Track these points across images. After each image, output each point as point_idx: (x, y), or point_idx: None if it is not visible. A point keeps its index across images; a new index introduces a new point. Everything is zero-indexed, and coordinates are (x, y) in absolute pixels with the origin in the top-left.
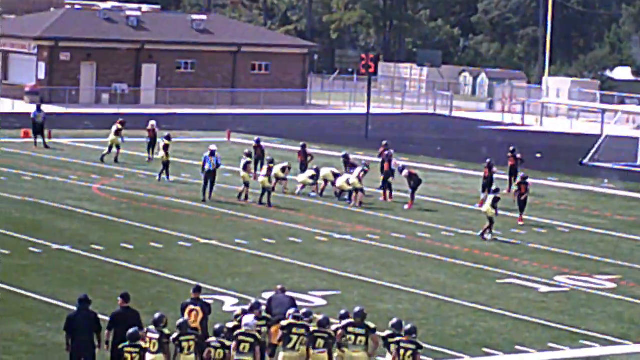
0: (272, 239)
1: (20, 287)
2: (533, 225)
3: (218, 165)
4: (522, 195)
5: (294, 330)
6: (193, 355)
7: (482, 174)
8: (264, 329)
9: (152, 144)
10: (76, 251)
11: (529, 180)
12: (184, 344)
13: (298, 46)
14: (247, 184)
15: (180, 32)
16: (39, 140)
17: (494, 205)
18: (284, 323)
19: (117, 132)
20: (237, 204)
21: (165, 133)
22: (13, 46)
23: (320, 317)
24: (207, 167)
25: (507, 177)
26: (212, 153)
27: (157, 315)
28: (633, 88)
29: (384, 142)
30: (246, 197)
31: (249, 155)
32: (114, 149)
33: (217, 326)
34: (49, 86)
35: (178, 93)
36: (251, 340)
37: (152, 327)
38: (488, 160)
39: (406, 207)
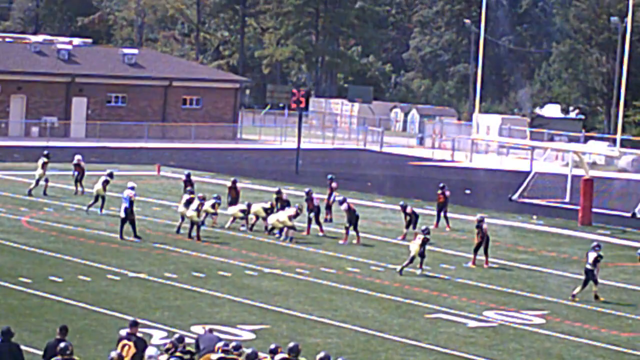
0: (202, 273)
1: None
2: (462, 261)
3: (131, 203)
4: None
5: None
6: None
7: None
8: None
9: (79, 178)
10: (4, 284)
11: (484, 225)
12: None
13: (229, 81)
14: (183, 218)
15: (111, 65)
16: None
17: (422, 245)
18: (213, 357)
19: (44, 165)
20: (167, 237)
21: (108, 171)
22: None
23: (248, 350)
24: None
25: (437, 213)
26: (132, 188)
27: (62, 344)
28: (562, 125)
29: (330, 176)
30: (178, 231)
31: (191, 192)
32: (42, 182)
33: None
34: None
35: (108, 126)
36: None
37: (58, 357)
38: (441, 185)
39: (341, 242)
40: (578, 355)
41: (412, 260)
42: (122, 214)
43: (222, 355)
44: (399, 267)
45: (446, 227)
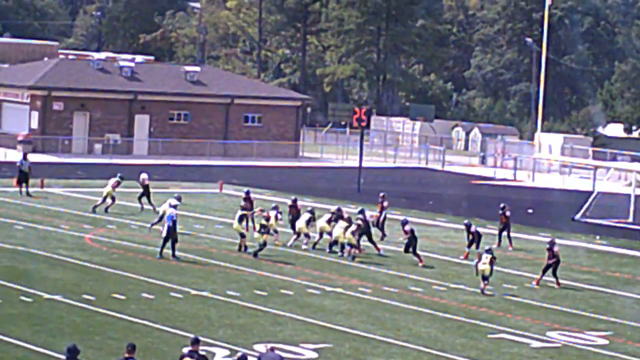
0: (264, 291)
1: (11, 336)
2: (524, 281)
3: (173, 222)
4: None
5: None
6: None
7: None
8: None
9: (143, 195)
10: (67, 301)
11: (556, 248)
12: None
13: (291, 99)
14: (242, 235)
15: (173, 83)
16: (24, 189)
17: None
18: None
19: (115, 185)
20: (229, 255)
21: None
22: (6, 95)
23: None
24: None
25: (498, 233)
26: (174, 207)
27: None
28: (625, 145)
29: (381, 194)
30: (245, 248)
31: (244, 208)
32: (108, 200)
33: None
34: (42, 135)
35: (170, 144)
36: None
37: None
38: (502, 205)
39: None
40: None
41: (485, 279)
42: (164, 233)
43: None
44: (480, 289)
45: (509, 247)
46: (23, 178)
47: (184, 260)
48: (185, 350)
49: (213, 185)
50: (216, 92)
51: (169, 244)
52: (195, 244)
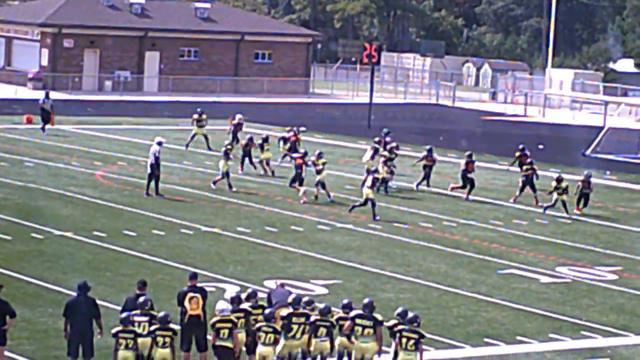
0: (274, 227)
1: (22, 273)
2: (535, 217)
3: (156, 158)
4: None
5: (294, 319)
6: (168, 350)
7: (483, 163)
8: (260, 317)
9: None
10: (78, 237)
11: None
12: (159, 339)
13: (301, 35)
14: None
15: (183, 20)
16: (47, 126)
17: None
18: (283, 313)
19: (199, 122)
20: (239, 192)
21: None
22: (16, 32)
23: (321, 305)
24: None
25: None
26: (159, 144)
27: (141, 299)
28: (636, 80)
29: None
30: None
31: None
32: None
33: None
34: (52, 72)
35: (181, 81)
36: (229, 325)
37: (137, 312)
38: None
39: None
40: None
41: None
42: (148, 169)
43: (293, 310)
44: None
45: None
46: (45, 116)
47: (194, 197)
48: (185, 287)
49: (223, 122)
50: (226, 28)
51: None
52: (206, 180)
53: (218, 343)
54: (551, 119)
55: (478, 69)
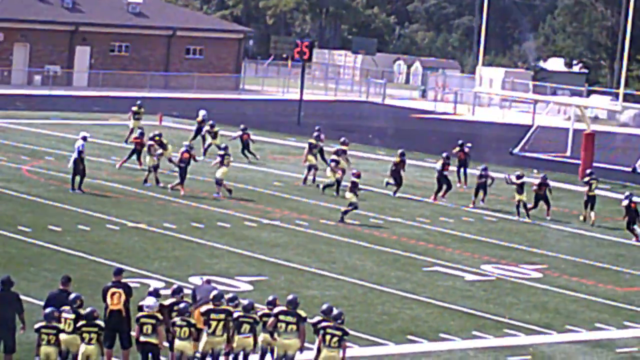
0: (201, 223)
1: None
2: (461, 214)
3: (79, 153)
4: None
5: (213, 315)
6: (93, 346)
7: (411, 161)
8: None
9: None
10: (3, 232)
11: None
12: (85, 335)
13: (233, 31)
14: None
15: (115, 14)
16: None
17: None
18: (202, 309)
19: (136, 115)
20: (167, 187)
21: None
22: None
23: (245, 302)
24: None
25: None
26: (84, 139)
27: (72, 295)
28: (565, 79)
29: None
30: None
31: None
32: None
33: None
34: None
35: (111, 75)
36: (152, 321)
37: (66, 308)
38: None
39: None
40: (574, 309)
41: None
42: (71, 164)
43: (212, 306)
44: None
45: (461, 184)
46: None
47: (121, 193)
48: (109, 282)
49: (152, 117)
50: (158, 24)
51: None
52: (133, 176)
53: (142, 339)
54: (480, 117)
55: (409, 67)
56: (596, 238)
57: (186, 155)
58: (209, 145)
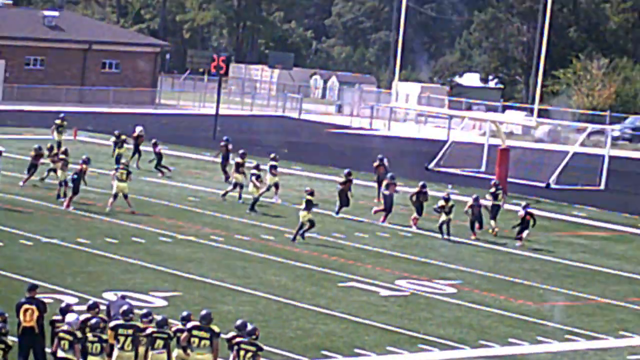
0: (115, 239)
1: None
2: (376, 230)
3: None
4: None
5: (121, 330)
6: None
7: (326, 176)
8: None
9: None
10: None
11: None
12: None
13: (149, 45)
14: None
15: (30, 27)
16: None
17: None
18: (111, 324)
19: (60, 128)
20: (82, 202)
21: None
22: None
23: (159, 317)
24: None
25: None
26: None
27: None
28: (481, 94)
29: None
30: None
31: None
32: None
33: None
34: None
35: (26, 89)
36: (70, 338)
37: None
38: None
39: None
40: (488, 324)
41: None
42: None
43: (122, 322)
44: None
45: (379, 200)
46: None
47: (35, 207)
48: (23, 298)
49: (67, 132)
50: (74, 37)
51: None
52: (48, 189)
53: (59, 354)
54: (396, 132)
55: (325, 82)
56: (510, 253)
57: (82, 167)
58: (119, 155)
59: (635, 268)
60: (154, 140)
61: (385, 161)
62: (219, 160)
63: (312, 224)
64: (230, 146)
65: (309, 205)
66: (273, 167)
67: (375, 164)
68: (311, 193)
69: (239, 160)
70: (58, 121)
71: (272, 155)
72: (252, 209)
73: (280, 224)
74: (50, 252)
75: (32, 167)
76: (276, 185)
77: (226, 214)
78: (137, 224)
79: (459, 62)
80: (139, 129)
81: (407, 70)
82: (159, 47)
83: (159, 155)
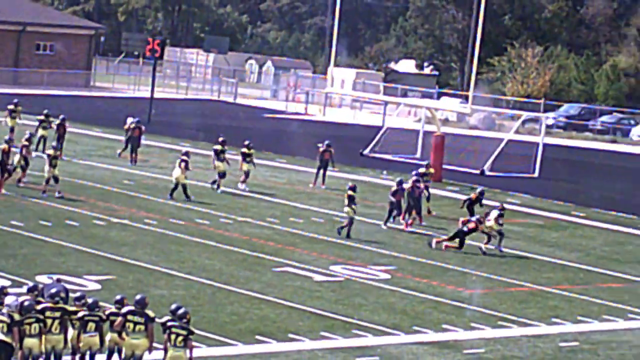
0: (49, 221)
1: None
2: (311, 215)
3: None
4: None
5: (48, 313)
6: None
7: (261, 161)
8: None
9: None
10: None
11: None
12: None
13: (84, 27)
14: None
15: None
16: None
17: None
18: (39, 307)
19: (13, 114)
20: (14, 185)
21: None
22: None
23: (90, 300)
24: None
25: (288, 167)
26: None
27: None
28: (416, 81)
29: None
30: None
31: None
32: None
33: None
34: None
35: None
36: (7, 320)
37: None
38: None
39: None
40: (422, 310)
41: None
42: None
43: (50, 304)
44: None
45: (321, 185)
46: None
47: None
48: None
49: (1, 114)
50: (7, 19)
51: None
52: None
53: None
54: (332, 118)
55: (261, 66)
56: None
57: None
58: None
59: (568, 255)
60: (62, 116)
61: (328, 147)
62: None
63: (350, 221)
64: (143, 127)
65: (351, 200)
66: (247, 155)
67: (321, 149)
68: (353, 188)
69: (217, 147)
70: (11, 106)
71: (246, 143)
72: (172, 195)
73: (214, 208)
74: None
75: None
76: (246, 174)
77: (160, 197)
78: (71, 207)
79: (395, 49)
80: (130, 120)
81: (343, 56)
82: (94, 30)
83: (63, 134)
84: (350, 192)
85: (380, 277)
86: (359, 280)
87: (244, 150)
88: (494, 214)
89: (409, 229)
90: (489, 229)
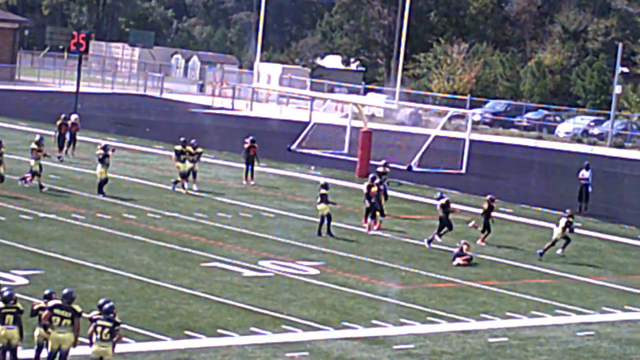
0: None
1: None
2: (239, 210)
3: None
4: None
5: None
6: None
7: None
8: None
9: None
10: None
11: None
12: None
13: (8, 20)
14: None
15: None
16: None
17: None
18: None
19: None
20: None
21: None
22: None
23: (5, 293)
24: None
25: (216, 162)
26: None
27: None
28: (342, 77)
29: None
30: None
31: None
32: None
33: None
34: None
35: None
36: None
37: None
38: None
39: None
40: (351, 306)
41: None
42: None
43: None
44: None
45: (251, 181)
46: None
47: None
48: None
49: None
50: None
51: None
52: None
53: None
54: (259, 113)
55: (187, 61)
56: (372, 235)
57: None
58: None
59: (496, 251)
60: None
61: (254, 143)
62: (57, 135)
63: (329, 217)
64: (69, 123)
65: (324, 198)
66: (193, 154)
67: (247, 145)
68: (325, 186)
69: (178, 147)
70: None
71: (192, 141)
72: (100, 191)
73: (142, 203)
74: None
75: None
76: (193, 173)
77: (87, 192)
78: None
79: (321, 44)
80: (74, 116)
81: (269, 52)
82: (18, 23)
83: None
84: (323, 191)
85: (310, 272)
86: (288, 276)
87: (189, 149)
88: (563, 221)
89: (372, 232)
90: (558, 234)
